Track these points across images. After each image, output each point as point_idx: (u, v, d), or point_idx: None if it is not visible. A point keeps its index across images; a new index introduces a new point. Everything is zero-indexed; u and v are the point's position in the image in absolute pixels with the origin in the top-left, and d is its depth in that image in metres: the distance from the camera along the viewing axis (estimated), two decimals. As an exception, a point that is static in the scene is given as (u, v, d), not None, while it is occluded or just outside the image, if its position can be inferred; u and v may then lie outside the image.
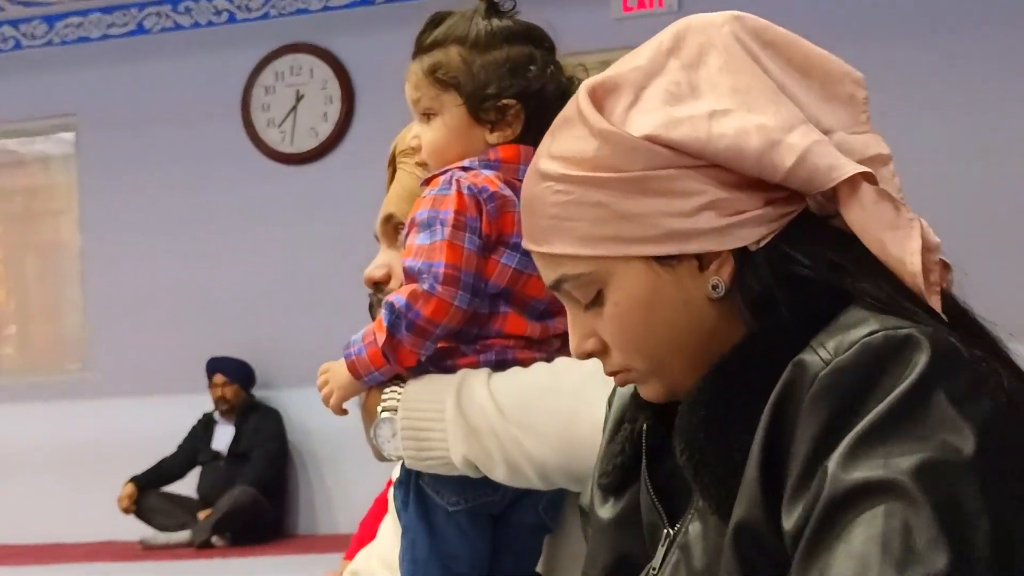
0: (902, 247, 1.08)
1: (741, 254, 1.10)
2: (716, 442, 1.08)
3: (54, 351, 8.77)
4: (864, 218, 1.08)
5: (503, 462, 1.62)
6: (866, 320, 1.03)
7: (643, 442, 1.21)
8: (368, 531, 3.55)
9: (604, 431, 1.32)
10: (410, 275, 1.66)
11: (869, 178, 1.08)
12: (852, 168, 1.08)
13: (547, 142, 1.16)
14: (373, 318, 1.75)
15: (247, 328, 7.59)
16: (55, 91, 7.99)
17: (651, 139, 1.09)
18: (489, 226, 1.67)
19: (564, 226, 1.12)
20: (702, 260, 1.11)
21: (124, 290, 7.85)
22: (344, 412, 1.74)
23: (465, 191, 1.67)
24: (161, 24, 7.86)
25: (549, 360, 1.69)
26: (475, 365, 1.68)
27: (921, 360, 0.99)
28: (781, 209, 1.10)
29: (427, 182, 1.73)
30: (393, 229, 1.86)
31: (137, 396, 7.77)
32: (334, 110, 7.63)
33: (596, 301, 1.14)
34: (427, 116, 1.75)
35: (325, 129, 7.64)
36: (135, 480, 7.43)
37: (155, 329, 7.77)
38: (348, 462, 6.89)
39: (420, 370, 1.68)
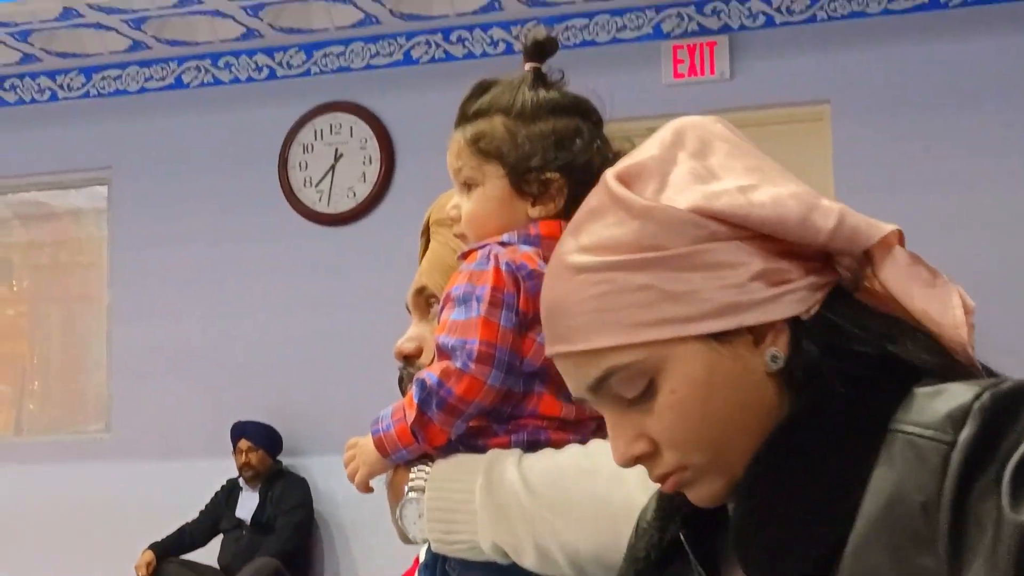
0: (943, 303, 1.11)
1: (794, 324, 1.11)
2: (786, 550, 1.06)
3: (76, 409, 8.79)
4: (900, 276, 1.12)
5: (533, 548, 1.59)
6: (947, 389, 1.05)
7: (684, 550, 1.18)
8: (394, 609, 3.52)
9: (637, 523, 1.29)
10: (443, 351, 1.64)
11: (901, 238, 1.12)
12: (888, 226, 1.11)
13: (571, 239, 1.15)
14: (402, 392, 1.74)
15: (276, 392, 7.58)
16: (90, 144, 8.07)
17: (696, 211, 1.10)
18: (527, 303, 1.65)
19: (608, 318, 1.11)
20: (756, 333, 1.11)
21: (150, 347, 7.87)
22: (370, 490, 1.72)
23: (503, 267, 1.65)
24: (200, 79, 7.93)
25: (584, 443, 1.66)
26: (507, 445, 1.66)
27: None
28: (820, 279, 1.12)
29: (465, 256, 1.72)
30: (425, 302, 1.85)
31: (160, 459, 7.76)
32: (372, 171, 7.65)
33: (645, 394, 1.11)
34: (468, 187, 1.74)
35: (363, 190, 7.67)
36: (154, 547, 7.39)
37: (181, 389, 7.77)
38: (376, 535, 6.84)
39: (449, 449, 1.66)
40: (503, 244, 1.70)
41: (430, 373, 1.63)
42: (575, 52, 6.94)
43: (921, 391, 1.06)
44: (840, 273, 1.13)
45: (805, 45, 6.95)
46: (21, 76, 8.13)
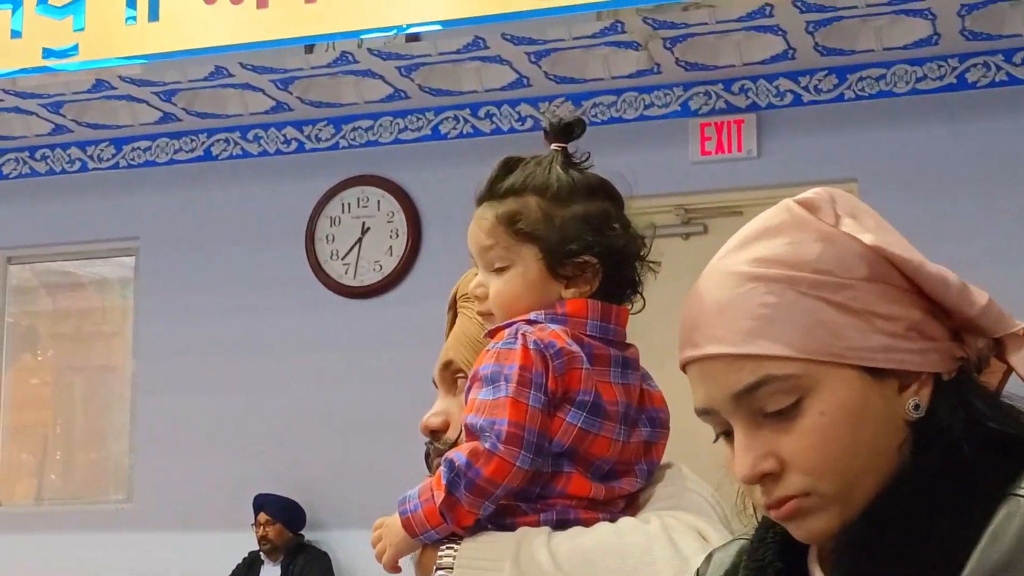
0: None
1: (937, 380, 1.16)
2: None
3: (98, 479, 8.79)
4: None
5: None
6: None
7: None
8: None
9: None
10: (471, 432, 1.64)
11: None
12: (1020, 322, 1.18)
13: (739, 251, 1.18)
14: (428, 467, 1.74)
15: (299, 465, 7.56)
16: (119, 214, 8.13)
17: (876, 249, 1.16)
18: (555, 383, 1.65)
19: (776, 328, 1.13)
20: (903, 380, 1.15)
21: (174, 418, 7.87)
22: (398, 570, 1.71)
23: (531, 346, 1.65)
24: (229, 151, 8.00)
25: (613, 521, 1.65)
26: (535, 524, 1.65)
27: None
28: (958, 351, 1.17)
29: (491, 334, 1.72)
30: (452, 376, 1.85)
31: (181, 530, 7.74)
32: (399, 244, 7.69)
33: (789, 411, 1.13)
34: (499, 269, 1.74)
35: (390, 263, 7.69)
36: (174, 620, 7.36)
37: (203, 461, 7.77)
38: (396, 611, 6.81)
39: (477, 528, 1.65)
40: (530, 323, 1.70)
41: (459, 454, 1.63)
42: (602, 129, 6.98)
43: None
44: (968, 354, 1.18)
45: (833, 124, 6.97)
46: (52, 147, 8.22)
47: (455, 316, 1.89)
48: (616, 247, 1.73)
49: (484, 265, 1.76)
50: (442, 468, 1.63)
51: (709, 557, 1.34)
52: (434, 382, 1.89)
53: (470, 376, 1.71)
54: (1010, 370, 1.20)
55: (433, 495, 1.63)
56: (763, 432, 1.14)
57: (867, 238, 1.16)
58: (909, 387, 1.15)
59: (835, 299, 1.13)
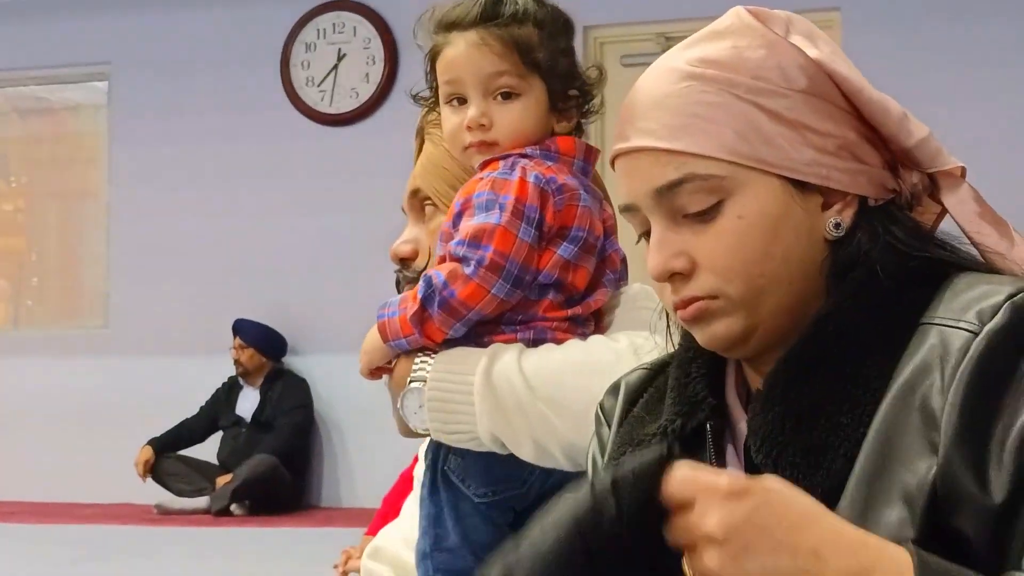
0: (1011, 240, 1.16)
1: (863, 204, 1.15)
2: (802, 435, 1.09)
3: (75, 305, 8.83)
4: (965, 207, 1.17)
5: (530, 440, 1.63)
6: (989, 285, 1.08)
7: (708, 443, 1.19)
8: (392, 507, 3.58)
9: (600, 436, 1.32)
10: (454, 256, 1.65)
11: (964, 174, 1.18)
12: (956, 161, 1.17)
13: (686, 50, 1.18)
14: (399, 293, 1.75)
15: (276, 292, 7.62)
16: (90, 38, 8.04)
17: (819, 63, 1.15)
18: (554, 218, 1.67)
19: (707, 127, 1.12)
20: (827, 197, 1.15)
21: (150, 244, 7.90)
22: (376, 377, 1.75)
23: (531, 179, 1.66)
24: (202, -27, 7.86)
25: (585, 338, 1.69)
26: (512, 343, 1.68)
27: None
28: (890, 182, 1.17)
29: (484, 165, 1.72)
30: (420, 204, 1.86)
31: (159, 355, 7.83)
32: (376, 71, 7.64)
33: (708, 212, 1.13)
34: (505, 95, 1.72)
35: (366, 91, 7.65)
36: (152, 443, 7.47)
37: (180, 287, 7.82)
38: (375, 435, 6.89)
39: (453, 343, 1.68)
40: (525, 156, 1.70)
41: (438, 272, 1.65)
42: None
43: (959, 283, 1.10)
44: (900, 187, 1.17)
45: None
46: (20, -33, 8.07)
47: (423, 143, 1.89)
48: (589, 82, 1.76)
49: (487, 91, 1.72)
50: (421, 282, 1.66)
51: (616, 388, 1.34)
52: (403, 209, 1.89)
53: (461, 202, 1.71)
54: (944, 212, 1.20)
55: (408, 306, 1.65)
56: (680, 232, 1.14)
57: (812, 52, 1.15)
58: (833, 206, 1.14)
59: (770, 106, 1.13)
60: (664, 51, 1.23)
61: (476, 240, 1.64)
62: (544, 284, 1.69)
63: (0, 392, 8.08)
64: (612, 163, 1.20)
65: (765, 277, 1.13)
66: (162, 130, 7.90)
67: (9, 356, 8.18)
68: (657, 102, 1.15)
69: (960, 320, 1.06)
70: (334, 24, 7.74)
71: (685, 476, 0.94)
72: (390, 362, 1.73)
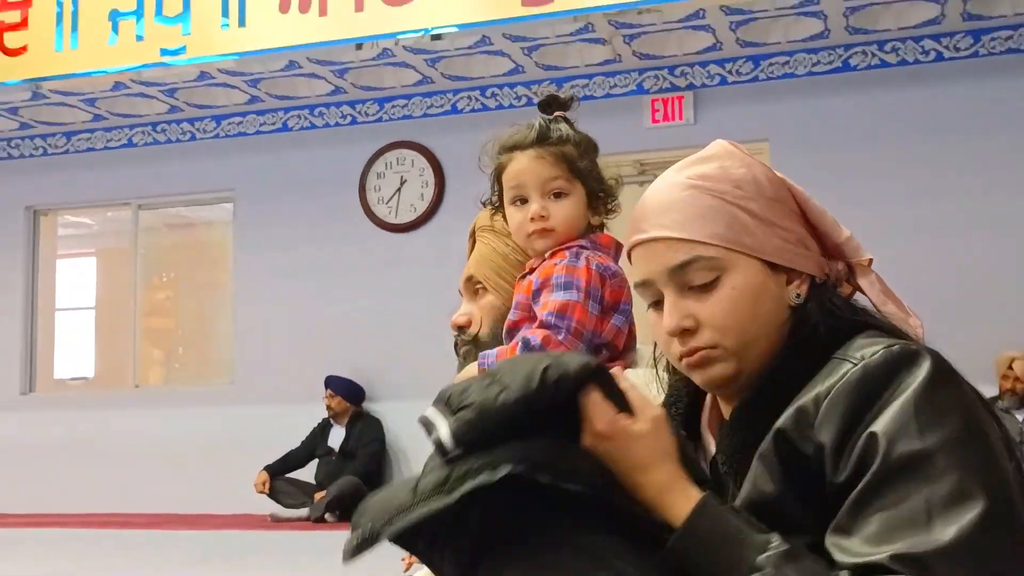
0: (907, 314, 1.18)
1: (812, 281, 1.18)
2: (752, 453, 1.10)
3: (210, 368, 8.84)
4: (874, 289, 1.19)
5: None
6: (881, 338, 1.10)
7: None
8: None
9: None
10: (546, 324, 1.64)
11: (871, 263, 1.21)
12: (868, 254, 1.20)
13: (686, 169, 1.19)
14: (456, 353, 1.73)
15: (360, 354, 7.63)
16: (220, 171, 8.11)
17: (782, 179, 1.19)
18: (611, 295, 1.68)
19: (705, 223, 1.15)
20: (790, 276, 1.17)
21: (264, 322, 7.91)
22: None
23: (594, 267, 1.68)
24: (300, 124, 7.96)
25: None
26: None
27: (926, 365, 1.05)
28: (825, 267, 1.19)
29: (553, 254, 1.71)
30: (473, 287, 1.84)
31: (272, 404, 7.80)
32: (429, 191, 7.68)
33: (710, 285, 1.14)
34: (557, 195, 1.72)
35: (421, 206, 7.70)
36: (267, 468, 7.44)
37: (286, 353, 7.82)
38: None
39: None
40: (582, 248, 1.71)
41: (534, 336, 1.64)
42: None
43: (864, 337, 1.11)
44: (830, 271, 1.19)
45: (750, 98, 6.93)
46: (169, 122, 8.18)
47: (474, 243, 1.89)
48: (612, 186, 1.78)
49: (543, 192, 1.72)
50: (519, 344, 1.63)
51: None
52: (460, 291, 1.88)
53: (539, 281, 1.70)
54: (854, 291, 1.21)
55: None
56: (687, 300, 1.15)
57: (777, 172, 1.19)
58: (794, 281, 1.16)
59: (749, 207, 1.15)
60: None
61: (562, 313, 1.64)
62: (598, 344, 1.69)
63: (156, 433, 8.06)
64: (629, 253, 1.21)
65: (751, 333, 1.14)
66: (273, 238, 7.94)
67: (163, 407, 8.17)
68: (668, 205, 1.16)
69: (851, 357, 1.07)
70: (397, 158, 7.79)
71: (594, 399, 1.07)
72: None
